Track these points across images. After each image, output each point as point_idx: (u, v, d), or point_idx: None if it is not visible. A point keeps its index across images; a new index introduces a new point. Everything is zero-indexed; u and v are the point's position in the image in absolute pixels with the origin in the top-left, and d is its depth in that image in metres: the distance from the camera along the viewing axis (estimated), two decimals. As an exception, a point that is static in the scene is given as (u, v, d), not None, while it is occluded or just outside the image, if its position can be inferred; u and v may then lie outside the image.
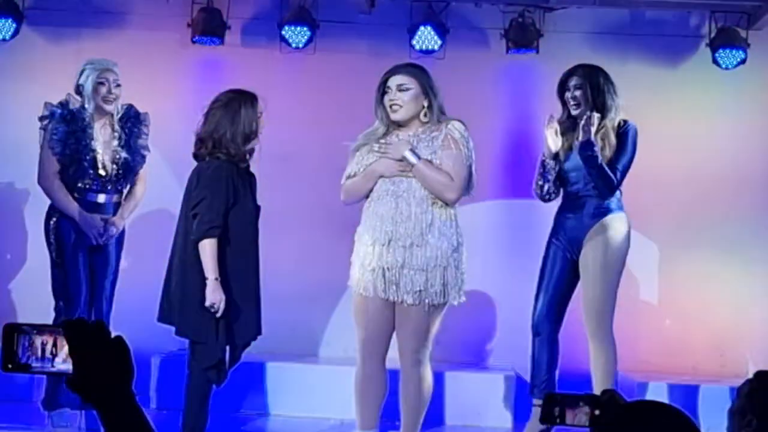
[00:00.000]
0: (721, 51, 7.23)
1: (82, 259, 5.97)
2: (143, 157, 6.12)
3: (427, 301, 5.26)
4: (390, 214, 5.29)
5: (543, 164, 5.95)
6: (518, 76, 7.55)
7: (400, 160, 5.30)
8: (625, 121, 5.92)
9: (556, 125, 5.89)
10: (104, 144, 6.00)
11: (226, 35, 7.37)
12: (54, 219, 5.99)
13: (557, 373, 6.01)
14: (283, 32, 7.28)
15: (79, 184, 5.96)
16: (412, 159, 5.27)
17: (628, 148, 5.88)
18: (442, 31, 7.24)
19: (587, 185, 5.90)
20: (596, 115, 5.78)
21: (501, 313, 7.45)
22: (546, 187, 5.97)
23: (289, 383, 6.92)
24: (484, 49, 7.51)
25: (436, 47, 7.22)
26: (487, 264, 7.13)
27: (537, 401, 5.91)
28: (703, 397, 6.72)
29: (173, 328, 5.45)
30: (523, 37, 7.31)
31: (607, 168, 5.80)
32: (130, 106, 6.13)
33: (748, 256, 7.37)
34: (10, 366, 1.87)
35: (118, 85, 6.01)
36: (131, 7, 7.52)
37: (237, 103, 5.41)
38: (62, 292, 5.95)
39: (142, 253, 6.81)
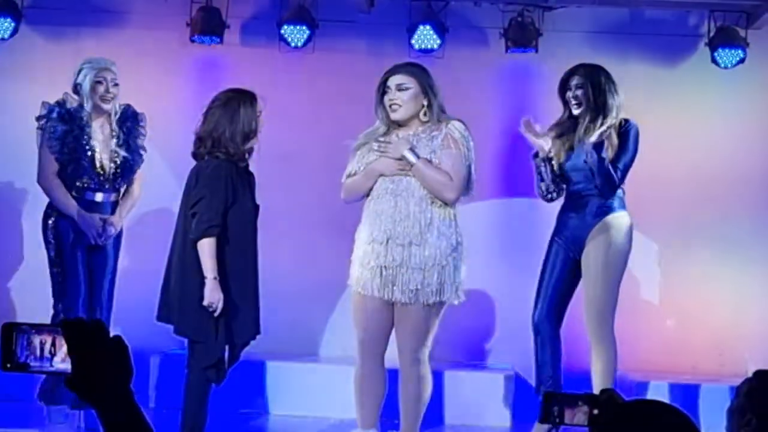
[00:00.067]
0: (720, 50, 7.23)
1: (81, 259, 5.96)
2: (141, 156, 6.12)
3: (423, 300, 5.26)
4: (389, 212, 5.29)
5: (534, 164, 5.95)
6: (517, 76, 7.55)
7: (400, 159, 5.30)
8: (627, 120, 5.92)
9: (535, 126, 5.87)
10: (102, 143, 6.00)
11: (225, 34, 7.37)
12: (52, 218, 5.98)
13: (562, 370, 6.01)
14: (283, 31, 7.28)
15: (78, 183, 5.96)
16: (412, 158, 5.27)
17: (629, 147, 5.88)
18: (441, 31, 7.23)
19: (589, 184, 5.89)
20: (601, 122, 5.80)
21: (501, 313, 7.45)
22: (545, 187, 5.97)
23: (289, 383, 6.92)
24: (484, 48, 7.51)
25: (435, 46, 7.22)
26: (487, 263, 7.13)
27: (544, 401, 5.89)
28: (702, 396, 6.73)
29: (172, 328, 5.45)
30: (522, 37, 7.31)
31: (610, 167, 5.80)
32: (128, 106, 6.13)
33: (748, 255, 7.37)
34: (8, 365, 1.87)
35: (116, 84, 6.01)
36: (130, 6, 7.52)
37: (236, 102, 5.41)
38: (60, 292, 5.94)
39: (141, 252, 6.81)
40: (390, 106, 5.36)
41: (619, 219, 5.92)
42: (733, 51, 7.21)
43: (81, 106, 5.96)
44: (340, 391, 6.18)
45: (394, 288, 5.26)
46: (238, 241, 5.39)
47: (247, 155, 5.46)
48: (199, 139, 5.45)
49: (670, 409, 2.07)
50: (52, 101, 5.98)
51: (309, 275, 7.31)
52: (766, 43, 7.35)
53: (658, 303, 7.50)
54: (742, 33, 7.25)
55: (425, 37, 7.21)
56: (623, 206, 5.95)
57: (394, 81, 5.36)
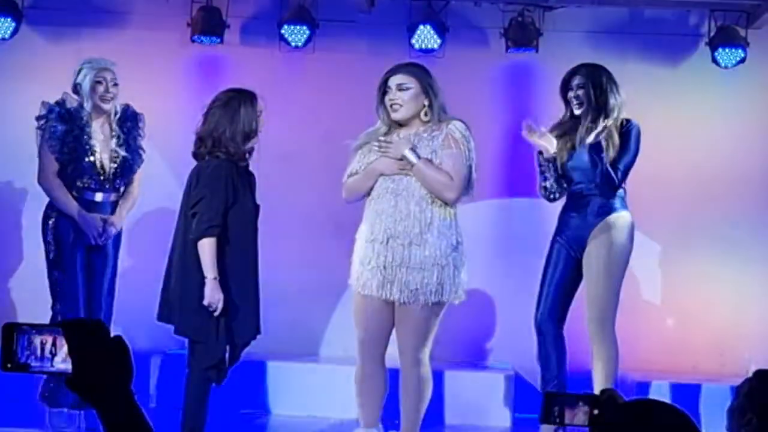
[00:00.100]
0: (720, 50, 7.22)
1: (80, 259, 5.96)
2: (141, 156, 6.12)
3: (422, 299, 5.26)
4: (389, 212, 5.29)
5: (538, 163, 5.96)
6: (517, 75, 7.55)
7: (401, 159, 5.30)
8: (628, 120, 5.92)
9: (538, 128, 5.87)
10: (102, 143, 6.00)
11: (226, 34, 7.36)
12: (52, 218, 5.98)
13: (567, 371, 6.00)
14: (283, 31, 7.27)
15: (78, 183, 5.96)
16: (412, 158, 5.27)
17: (630, 147, 5.87)
18: (441, 30, 7.23)
19: (591, 184, 5.89)
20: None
21: (501, 313, 7.44)
22: (548, 186, 5.97)
23: (290, 382, 6.92)
24: (484, 48, 7.51)
25: (435, 46, 7.22)
26: (487, 263, 7.12)
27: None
28: (703, 396, 6.72)
29: (172, 328, 5.45)
30: (522, 36, 7.31)
31: (609, 167, 5.79)
32: (128, 106, 6.12)
33: (748, 255, 7.36)
34: (9, 365, 1.87)
35: (116, 84, 6.01)
36: (131, 6, 7.51)
37: (236, 102, 5.41)
38: (60, 292, 5.93)
39: (141, 252, 6.81)
40: (391, 105, 5.36)
41: (620, 218, 5.92)
42: (733, 51, 7.21)
43: (81, 106, 5.96)
44: (341, 391, 6.18)
45: (394, 288, 5.26)
46: (239, 241, 5.39)
47: (247, 155, 5.46)
48: (200, 139, 5.45)
49: (670, 408, 2.07)
50: (52, 101, 5.98)
51: (309, 275, 7.31)
52: (766, 43, 7.34)
53: (659, 303, 7.49)
54: (742, 33, 7.24)
55: (425, 36, 7.21)
56: (625, 206, 5.95)
57: (394, 81, 5.36)
